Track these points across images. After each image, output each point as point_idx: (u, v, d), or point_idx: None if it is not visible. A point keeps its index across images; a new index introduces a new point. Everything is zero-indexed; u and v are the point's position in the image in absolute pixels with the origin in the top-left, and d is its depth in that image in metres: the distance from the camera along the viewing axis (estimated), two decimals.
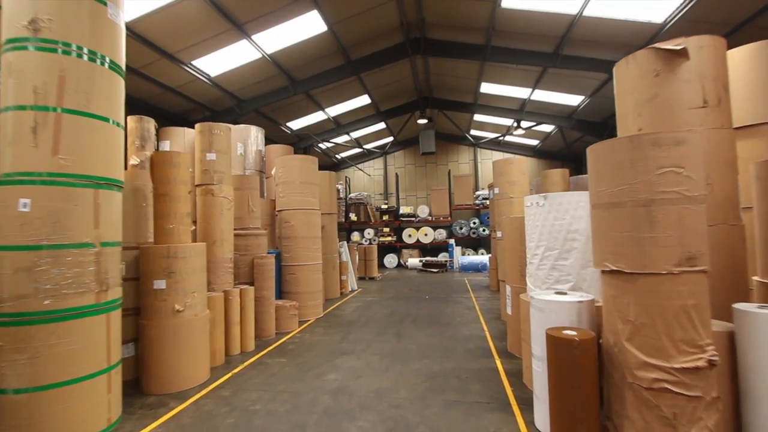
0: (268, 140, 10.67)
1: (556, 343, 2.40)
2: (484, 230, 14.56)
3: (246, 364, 4.41)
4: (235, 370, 4.20)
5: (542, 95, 11.60)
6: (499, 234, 6.78)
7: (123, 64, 3.31)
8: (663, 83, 3.06)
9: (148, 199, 4.07)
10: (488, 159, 15.65)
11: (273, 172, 7.26)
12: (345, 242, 9.83)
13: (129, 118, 5.81)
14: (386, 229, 15.51)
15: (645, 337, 2.22)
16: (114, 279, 3.09)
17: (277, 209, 6.97)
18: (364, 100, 11.70)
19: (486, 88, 11.29)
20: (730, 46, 3.42)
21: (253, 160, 8.29)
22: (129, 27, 6.23)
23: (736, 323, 2.35)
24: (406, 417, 3.11)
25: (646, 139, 2.26)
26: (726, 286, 2.84)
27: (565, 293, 3.04)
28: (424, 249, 15.46)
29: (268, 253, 5.97)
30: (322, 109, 11.51)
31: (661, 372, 2.16)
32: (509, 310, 4.95)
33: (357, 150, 16.15)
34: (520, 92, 11.11)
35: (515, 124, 12.64)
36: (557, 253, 3.47)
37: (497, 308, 7.11)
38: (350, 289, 9.53)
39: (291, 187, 6.62)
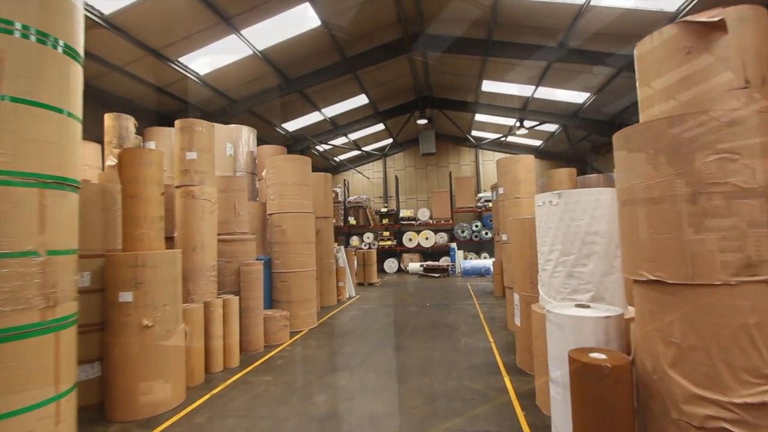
0: (263, 142, 10.29)
1: (582, 369, 1.98)
2: (486, 233, 14.13)
3: (227, 383, 3.99)
4: (215, 391, 3.79)
5: (546, 93, 11.19)
6: (504, 237, 6.36)
7: (81, 49, 2.93)
8: (696, 62, 2.66)
9: (118, 201, 3.69)
10: (490, 160, 15.23)
11: (264, 173, 6.88)
12: (342, 247, 9.42)
13: (106, 115, 5.45)
14: (386, 233, 15.09)
15: (694, 363, 1.80)
16: (65, 293, 2.69)
17: (267, 213, 6.58)
18: (361, 99, 11.33)
19: (487, 86, 10.91)
20: None
21: (245, 161, 7.91)
22: (109, 20, 5.88)
23: None
24: None
25: (692, 119, 1.85)
26: None
27: (587, 306, 2.62)
28: (425, 253, 15.03)
29: (257, 259, 5.57)
30: (318, 109, 11.15)
31: (717, 407, 1.74)
32: (518, 321, 4.54)
33: (355, 152, 15.76)
34: (523, 90, 10.73)
35: (518, 124, 12.25)
36: (574, 259, 3.06)
37: (503, 316, 6.67)
38: (348, 296, 9.10)
39: (282, 189, 6.23)
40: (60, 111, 2.72)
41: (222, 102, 9.16)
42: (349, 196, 15.89)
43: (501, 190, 6.62)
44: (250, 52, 7.56)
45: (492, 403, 3.37)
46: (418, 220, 14.87)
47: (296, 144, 12.93)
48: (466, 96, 11.91)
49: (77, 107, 2.89)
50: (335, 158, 16.11)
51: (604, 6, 6.48)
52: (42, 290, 2.50)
